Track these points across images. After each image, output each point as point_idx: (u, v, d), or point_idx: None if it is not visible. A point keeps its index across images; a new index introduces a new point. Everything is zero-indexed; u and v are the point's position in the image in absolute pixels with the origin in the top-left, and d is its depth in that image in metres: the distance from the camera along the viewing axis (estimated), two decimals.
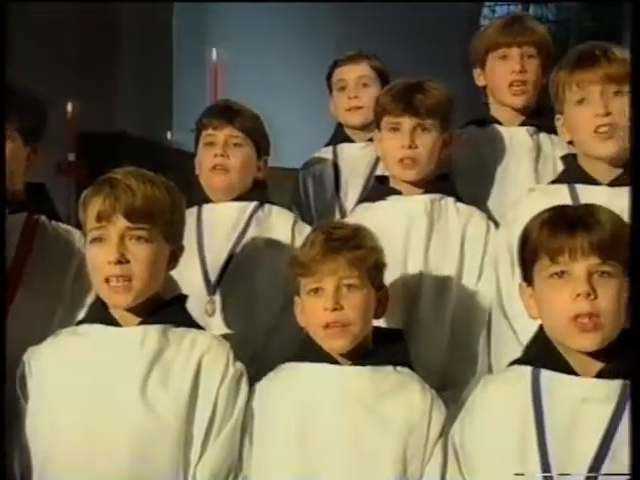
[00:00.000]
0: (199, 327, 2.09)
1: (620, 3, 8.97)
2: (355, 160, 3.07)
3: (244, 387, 2.02)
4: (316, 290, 1.98)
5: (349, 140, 3.14)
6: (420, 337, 2.37)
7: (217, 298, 2.48)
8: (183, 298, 2.13)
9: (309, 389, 1.99)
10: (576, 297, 1.77)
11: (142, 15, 8.24)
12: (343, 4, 8.97)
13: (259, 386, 2.05)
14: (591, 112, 2.20)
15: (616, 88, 2.19)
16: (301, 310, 2.04)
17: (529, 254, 1.87)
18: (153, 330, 2.00)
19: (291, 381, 2.03)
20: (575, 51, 2.31)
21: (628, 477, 1.64)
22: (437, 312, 2.40)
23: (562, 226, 1.81)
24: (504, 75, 2.73)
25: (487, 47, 2.77)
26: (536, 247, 1.84)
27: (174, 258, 2.08)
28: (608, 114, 2.18)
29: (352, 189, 3.02)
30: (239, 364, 2.04)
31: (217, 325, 2.45)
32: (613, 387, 1.80)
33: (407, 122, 2.44)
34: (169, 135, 8.30)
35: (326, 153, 3.20)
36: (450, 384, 2.32)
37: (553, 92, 2.33)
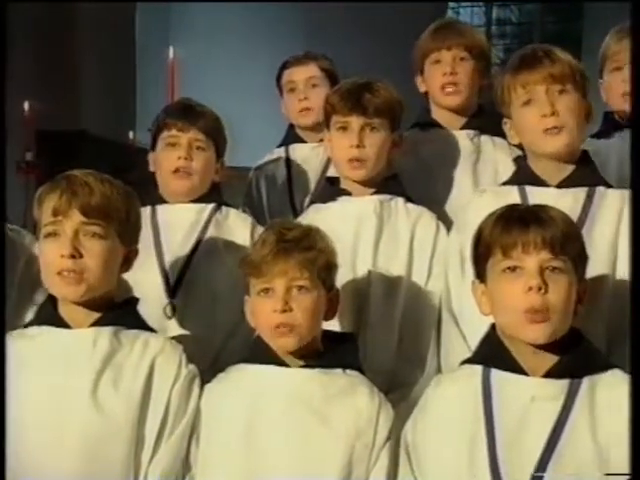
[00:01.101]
0: (151, 330, 2.09)
1: (582, 6, 9.06)
2: (307, 160, 3.08)
3: (196, 389, 2.03)
4: (266, 290, 1.98)
5: (301, 141, 3.15)
6: (369, 338, 2.38)
7: (176, 301, 2.46)
8: (135, 301, 2.12)
9: (257, 391, 1.99)
10: (528, 290, 1.79)
11: (105, 13, 8.19)
12: (312, 4, 8.96)
13: (208, 387, 2.05)
14: (538, 112, 2.22)
15: (560, 87, 2.22)
16: (251, 310, 2.03)
17: (483, 250, 1.89)
18: (105, 332, 1.99)
19: (239, 382, 2.02)
20: (518, 54, 2.34)
21: (628, 477, 1.66)
22: (386, 312, 2.40)
23: (515, 222, 1.84)
24: (437, 78, 2.79)
25: (422, 53, 2.83)
26: (490, 243, 1.86)
27: (127, 260, 2.07)
28: (554, 113, 2.20)
29: (305, 189, 3.04)
30: (192, 366, 2.04)
31: (176, 328, 2.44)
32: (561, 386, 1.83)
33: (355, 121, 2.44)
34: (131, 134, 8.25)
35: (278, 154, 3.21)
36: (399, 384, 2.33)
37: (499, 96, 2.35)
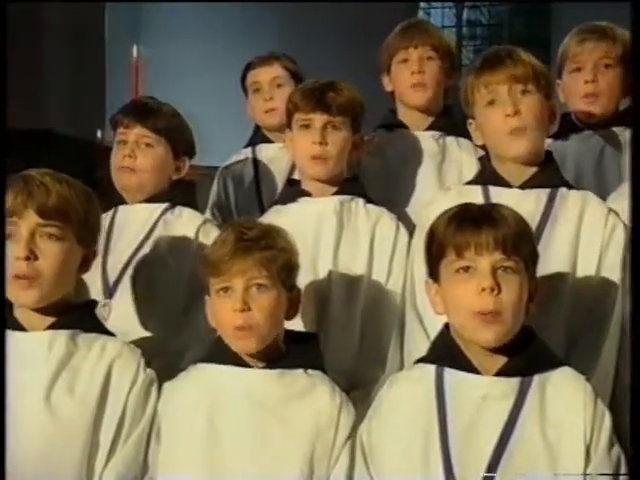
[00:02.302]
0: (110, 333, 2.07)
1: (550, 8, 9.13)
2: (274, 160, 3.08)
3: (154, 393, 2.01)
4: (225, 290, 1.96)
5: (268, 141, 3.15)
6: (330, 337, 2.38)
7: (114, 301, 2.44)
8: (93, 303, 2.10)
9: (217, 391, 1.98)
10: (481, 292, 1.80)
11: (73, 13, 8.12)
12: (284, 4, 8.94)
13: (167, 387, 2.03)
14: (501, 112, 2.22)
15: (522, 87, 2.22)
16: (211, 310, 2.02)
17: (436, 250, 1.89)
18: (61, 335, 1.97)
19: (199, 383, 2.01)
20: (481, 55, 2.35)
21: (628, 477, 1.66)
22: (347, 312, 2.40)
23: (468, 222, 1.84)
24: (405, 77, 2.81)
25: (390, 53, 2.85)
26: (443, 243, 1.86)
27: (86, 262, 2.05)
28: (517, 113, 2.21)
29: (272, 189, 3.03)
30: (150, 371, 2.02)
31: (112, 328, 2.40)
32: (512, 384, 1.84)
33: (318, 119, 2.44)
34: (99, 133, 8.18)
35: (246, 154, 3.21)
36: (360, 384, 2.33)
37: (463, 97, 2.36)
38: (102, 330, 2.05)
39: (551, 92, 2.30)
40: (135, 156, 2.51)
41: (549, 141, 2.80)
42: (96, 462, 1.94)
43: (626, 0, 2.15)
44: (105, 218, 2.54)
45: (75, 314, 2.01)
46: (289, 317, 2.04)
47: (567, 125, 2.85)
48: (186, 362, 2.15)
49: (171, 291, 2.43)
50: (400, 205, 2.72)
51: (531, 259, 1.88)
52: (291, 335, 2.05)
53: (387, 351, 2.34)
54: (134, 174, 2.52)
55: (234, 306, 1.93)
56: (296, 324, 2.14)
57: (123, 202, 2.59)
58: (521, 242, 1.84)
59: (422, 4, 10.25)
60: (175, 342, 2.37)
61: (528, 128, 2.21)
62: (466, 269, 1.83)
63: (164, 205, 2.56)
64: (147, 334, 2.40)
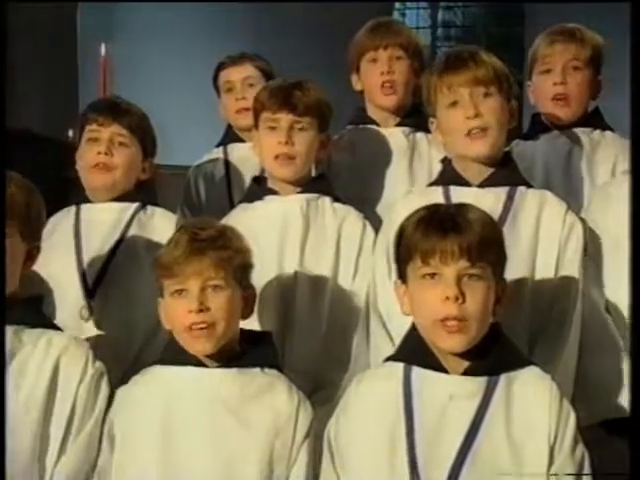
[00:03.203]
0: (56, 328, 2.04)
1: (523, 9, 9.17)
2: (246, 160, 3.04)
3: (105, 387, 1.99)
4: (180, 291, 1.94)
5: (239, 140, 3.13)
6: (295, 338, 2.37)
7: (94, 302, 2.42)
8: (39, 298, 2.07)
9: (173, 393, 1.96)
10: (445, 300, 1.79)
11: (45, 12, 8.07)
12: (259, 3, 8.91)
13: (120, 391, 2.01)
14: (462, 114, 2.23)
15: (484, 90, 2.24)
16: (165, 312, 2.00)
17: (403, 253, 1.89)
18: (6, 331, 1.93)
19: (155, 385, 1.99)
20: (444, 55, 2.36)
21: (628, 477, 1.66)
22: (313, 312, 2.39)
23: (434, 228, 1.83)
24: (374, 77, 2.81)
25: (359, 52, 2.85)
26: (409, 247, 1.86)
27: (30, 257, 2.02)
28: (478, 115, 2.22)
29: (243, 189, 2.98)
30: (99, 364, 2.00)
31: (94, 329, 2.39)
32: (478, 383, 1.84)
33: (284, 119, 2.43)
34: (70, 132, 8.13)
35: (217, 153, 3.20)
36: (325, 384, 2.32)
37: (425, 96, 2.37)
38: (48, 325, 2.02)
39: (512, 94, 2.31)
40: (111, 154, 2.48)
41: (520, 141, 2.87)
42: (47, 459, 1.91)
43: (626, 0, 2.15)
44: (66, 216, 2.54)
45: (20, 309, 1.97)
46: (244, 316, 2.03)
47: (537, 126, 2.88)
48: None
49: (150, 291, 2.41)
50: (371, 202, 2.72)
51: (499, 263, 1.88)
52: (247, 335, 2.04)
53: (352, 351, 2.34)
54: (109, 173, 2.49)
55: (190, 307, 1.92)
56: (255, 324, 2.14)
57: (79, 201, 2.56)
58: (487, 248, 1.83)
59: (397, 5, 10.26)
60: (152, 345, 2.34)
61: (489, 129, 2.23)
62: (432, 275, 1.82)
63: (135, 205, 2.54)
64: (127, 336, 2.38)
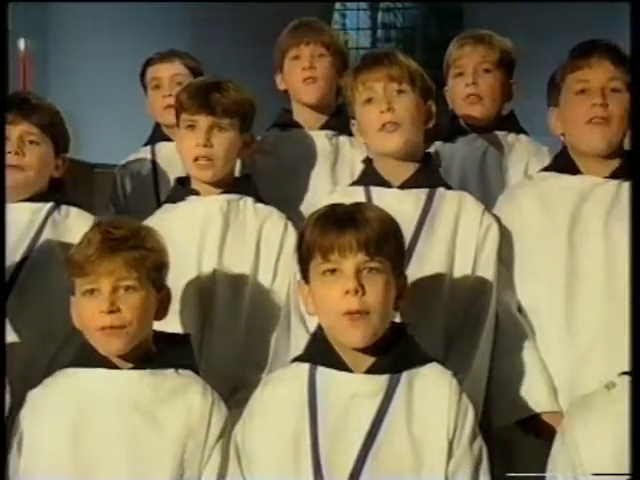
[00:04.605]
0: None
1: (462, 11, 9.26)
2: (173, 159, 2.99)
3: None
4: (91, 291, 1.92)
5: (167, 139, 3.10)
6: (215, 339, 2.36)
7: (8, 304, 2.34)
8: None
9: (84, 395, 1.94)
10: (345, 294, 1.81)
11: None
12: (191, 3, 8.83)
13: (32, 394, 1.99)
14: (376, 110, 2.27)
15: (397, 87, 2.27)
16: (76, 311, 1.98)
17: (305, 252, 1.91)
18: None
19: (65, 387, 1.97)
20: (361, 55, 2.41)
21: (628, 477, 1.66)
22: (232, 313, 2.38)
23: (332, 224, 1.86)
24: (296, 73, 2.82)
25: (282, 50, 2.86)
26: (309, 245, 1.88)
27: None
28: (391, 110, 2.25)
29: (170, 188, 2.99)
30: None
31: (9, 332, 2.32)
32: (381, 381, 1.85)
33: (203, 120, 2.42)
34: None
35: (145, 152, 3.17)
36: (244, 385, 2.29)
37: (346, 96, 2.40)
38: None
39: (428, 94, 2.34)
40: (23, 153, 2.43)
41: (439, 143, 2.91)
42: None
43: (626, 0, 2.17)
44: None
45: None
46: (158, 317, 2.01)
47: (455, 128, 2.94)
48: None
49: (66, 292, 2.38)
50: (295, 204, 2.73)
51: (397, 258, 1.90)
52: (163, 337, 2.03)
53: (271, 352, 2.34)
54: (21, 172, 2.44)
55: (101, 307, 1.90)
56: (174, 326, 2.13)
57: None
58: (385, 243, 1.85)
59: (337, 5, 10.28)
60: (68, 347, 2.28)
61: (402, 125, 2.26)
62: (332, 271, 1.84)
63: (49, 205, 2.49)
64: (43, 339, 2.34)
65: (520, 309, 2.30)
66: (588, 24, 6.35)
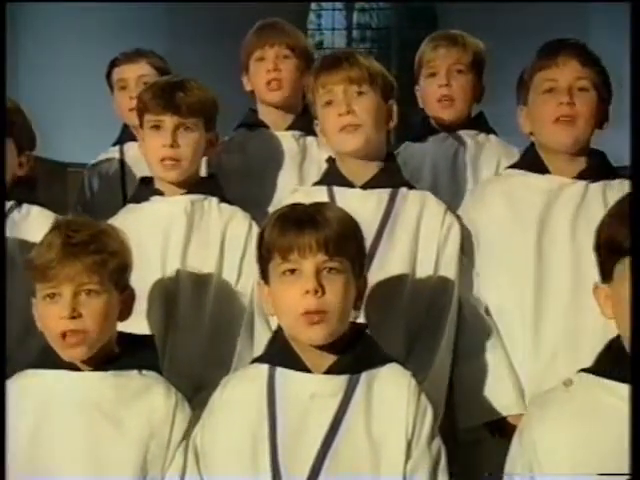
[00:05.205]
0: None
1: (436, 12, 9.30)
2: (141, 159, 2.99)
3: None
4: (52, 295, 1.90)
5: (135, 139, 3.06)
6: (179, 339, 2.35)
7: None
8: None
9: (45, 397, 1.92)
10: (305, 294, 1.81)
11: None
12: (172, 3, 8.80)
13: None
14: (335, 112, 2.27)
15: (357, 89, 2.28)
16: (38, 314, 1.96)
17: (264, 252, 1.90)
18: None
19: (25, 390, 1.95)
20: (321, 57, 2.42)
21: (628, 477, 1.65)
22: (195, 313, 2.37)
23: (291, 224, 1.85)
24: (261, 75, 2.83)
25: (247, 52, 2.87)
26: (269, 246, 1.87)
27: None
28: (350, 112, 2.26)
29: None
30: None
31: None
32: (339, 382, 1.85)
33: (168, 120, 2.40)
34: None
35: (113, 152, 3.15)
36: (208, 386, 2.25)
37: (309, 98, 2.41)
38: None
39: (390, 94, 2.34)
40: None
41: (409, 143, 2.95)
42: None
43: (626, 0, 2.18)
44: None
45: None
46: (122, 318, 2.00)
47: (426, 128, 2.96)
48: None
49: (24, 293, 2.35)
50: (262, 205, 2.72)
51: (357, 258, 1.90)
52: (126, 337, 2.01)
53: (235, 352, 2.32)
54: None
55: (62, 313, 1.88)
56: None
57: None
58: (345, 243, 1.85)
59: (313, 6, 10.27)
60: (23, 349, 2.25)
61: (362, 125, 2.26)
62: (292, 271, 1.84)
63: (9, 204, 2.46)
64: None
65: (487, 310, 2.31)
66: (556, 25, 6.37)
